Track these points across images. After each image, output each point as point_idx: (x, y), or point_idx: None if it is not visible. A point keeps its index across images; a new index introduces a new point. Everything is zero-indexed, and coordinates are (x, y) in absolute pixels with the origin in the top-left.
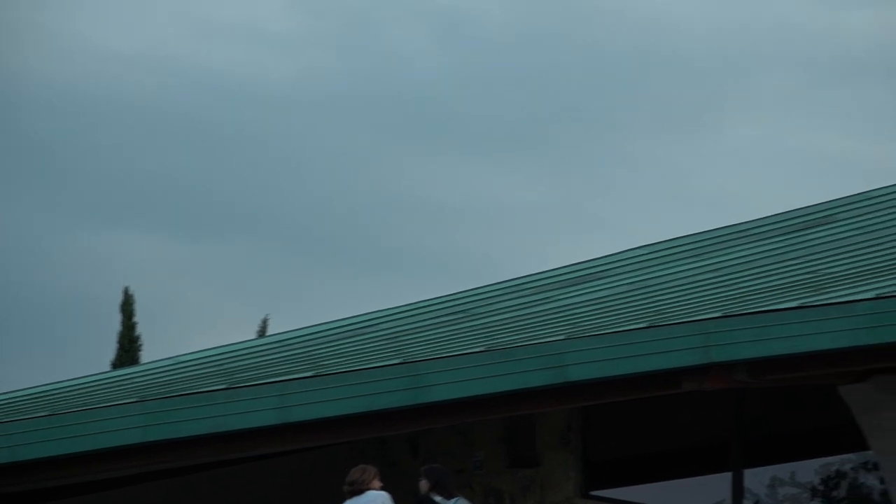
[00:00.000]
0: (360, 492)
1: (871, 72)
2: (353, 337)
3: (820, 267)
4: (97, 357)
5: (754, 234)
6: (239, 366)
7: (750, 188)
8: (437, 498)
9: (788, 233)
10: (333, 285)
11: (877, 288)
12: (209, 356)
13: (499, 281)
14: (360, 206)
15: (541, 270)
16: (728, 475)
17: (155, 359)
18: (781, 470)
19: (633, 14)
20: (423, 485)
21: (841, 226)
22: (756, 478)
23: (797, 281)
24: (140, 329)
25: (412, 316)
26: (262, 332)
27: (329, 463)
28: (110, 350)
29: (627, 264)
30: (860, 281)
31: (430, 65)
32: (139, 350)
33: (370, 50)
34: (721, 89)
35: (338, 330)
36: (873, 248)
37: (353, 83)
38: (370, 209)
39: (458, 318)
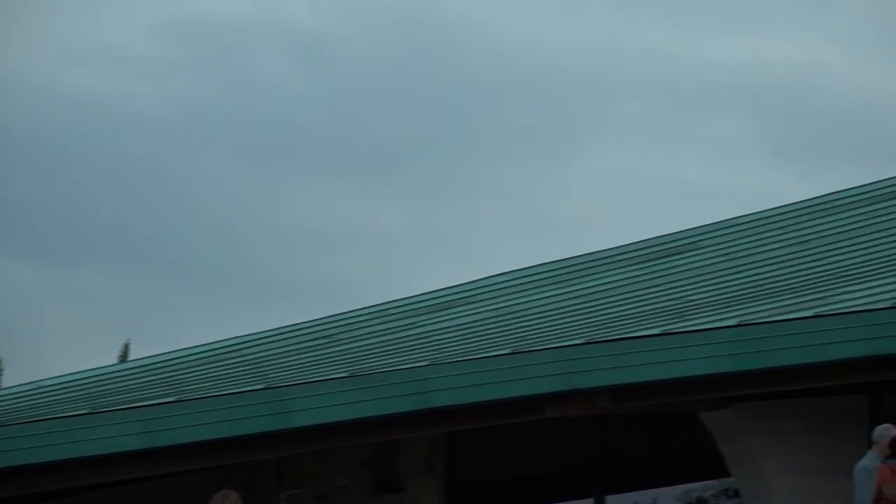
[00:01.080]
0: None
1: (733, 101)
2: (217, 362)
3: (682, 294)
4: None
5: (617, 261)
6: (102, 391)
7: (612, 215)
8: None
9: (651, 260)
10: (197, 311)
11: (738, 315)
12: (71, 381)
13: (363, 307)
14: (225, 230)
15: (405, 296)
16: (590, 501)
17: (16, 384)
18: (643, 496)
19: (494, 40)
20: None
21: (703, 253)
22: None
23: (659, 308)
24: (1, 353)
25: (276, 341)
26: (123, 357)
27: (193, 488)
28: None
29: (491, 291)
30: (722, 308)
31: (294, 90)
32: (0, 375)
33: (235, 75)
34: (583, 116)
35: (201, 355)
36: (735, 276)
37: (216, 108)
38: (234, 234)
39: (323, 344)
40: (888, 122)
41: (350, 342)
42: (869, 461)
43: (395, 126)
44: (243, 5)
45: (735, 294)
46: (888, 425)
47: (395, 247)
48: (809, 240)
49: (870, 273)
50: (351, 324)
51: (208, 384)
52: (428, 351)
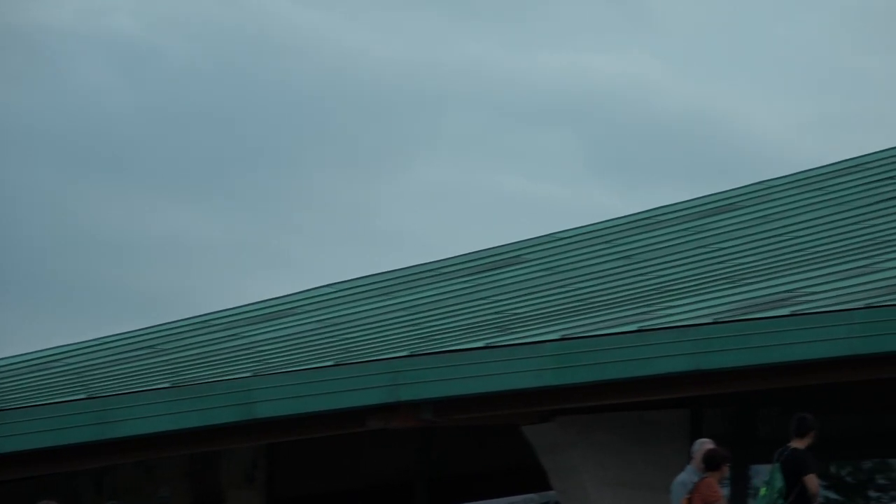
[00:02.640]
0: None
1: (556, 115)
2: (36, 372)
3: (507, 307)
4: None
5: (443, 273)
6: None
7: (438, 228)
8: None
9: (475, 273)
10: (15, 321)
11: (562, 329)
12: None
13: (187, 317)
14: (45, 242)
15: (229, 307)
16: None
17: None
18: None
19: (320, 53)
20: None
21: (528, 266)
22: None
23: (484, 321)
24: None
25: (99, 351)
26: None
27: (12, 498)
28: None
29: (315, 302)
30: (546, 322)
31: (116, 101)
32: None
33: (55, 85)
34: (408, 129)
35: (20, 365)
36: (559, 290)
37: (37, 117)
38: (55, 245)
39: (146, 354)
40: (709, 137)
41: (173, 353)
42: (687, 475)
43: (219, 137)
44: (64, 14)
45: (559, 307)
46: (705, 440)
47: (218, 258)
48: (634, 254)
49: (693, 288)
50: (174, 334)
51: (28, 394)
52: (252, 362)
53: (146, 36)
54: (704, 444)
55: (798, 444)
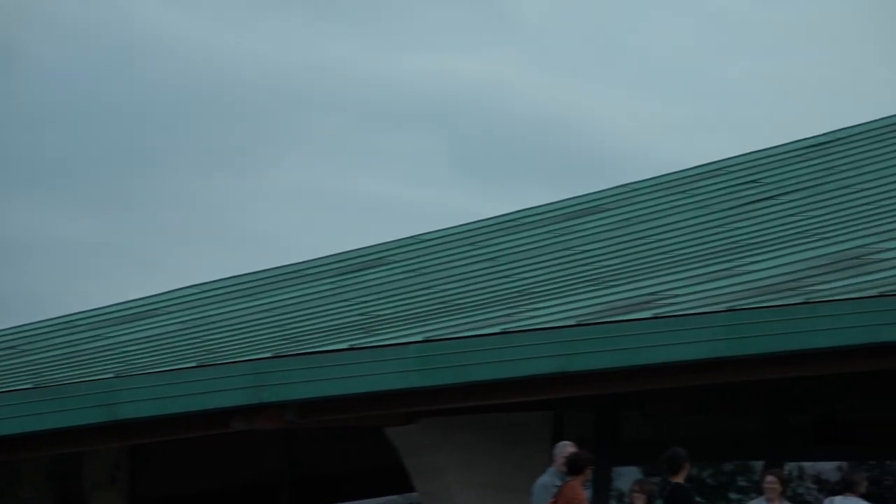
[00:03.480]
0: None
1: (421, 117)
2: None
3: (371, 309)
4: None
5: (307, 275)
6: None
7: (301, 229)
8: None
9: (340, 274)
10: None
11: (427, 331)
12: None
13: (48, 318)
14: None
15: (91, 308)
16: None
17: None
18: None
19: (184, 53)
20: None
21: (392, 268)
22: None
23: (349, 322)
24: None
25: None
26: None
27: None
28: None
29: (179, 303)
30: (410, 323)
31: None
32: None
33: None
34: (272, 130)
35: None
36: (423, 291)
37: None
38: None
39: (7, 355)
40: (573, 139)
41: (34, 353)
42: (548, 478)
43: (77, 136)
44: None
45: (424, 309)
46: (566, 443)
47: (79, 258)
48: (498, 256)
49: (558, 290)
50: (35, 335)
51: None
52: (115, 363)
53: (4, 34)
54: (566, 447)
55: (677, 478)
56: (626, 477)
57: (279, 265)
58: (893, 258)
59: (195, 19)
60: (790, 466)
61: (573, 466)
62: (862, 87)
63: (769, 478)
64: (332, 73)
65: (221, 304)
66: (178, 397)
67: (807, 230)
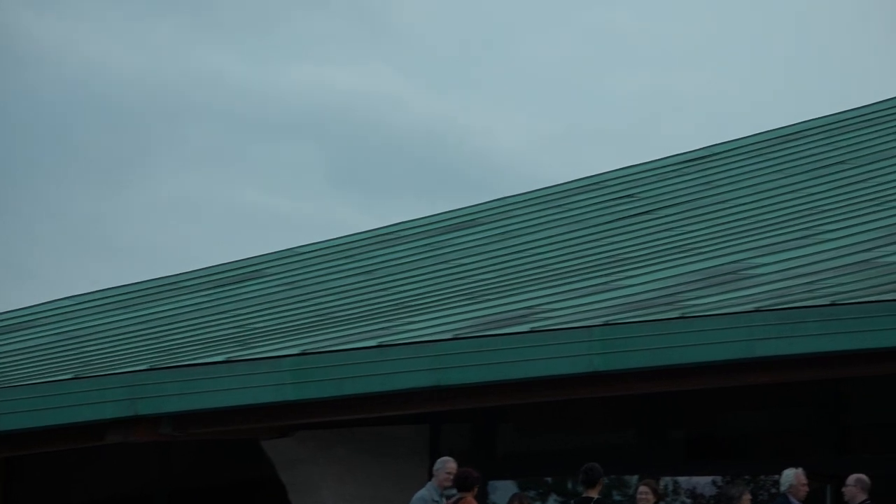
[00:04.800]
0: None
1: (298, 129)
2: None
3: (247, 322)
4: None
5: (183, 287)
6: None
7: (179, 241)
8: None
9: (216, 287)
10: None
11: (303, 344)
12: None
13: None
14: None
15: None
16: None
17: None
18: None
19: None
20: None
21: (268, 281)
22: None
23: (225, 335)
24: None
25: None
26: None
27: None
28: None
29: (54, 315)
30: (287, 336)
31: None
32: None
33: None
34: (150, 141)
35: None
36: (300, 304)
37: None
38: None
39: None
40: (451, 152)
41: None
42: (427, 492)
43: None
44: None
45: (300, 322)
46: (447, 458)
47: None
48: (375, 269)
49: (434, 304)
50: None
51: None
52: None
53: None
54: (447, 463)
55: (591, 493)
56: (502, 491)
57: (155, 277)
58: (769, 273)
59: (74, 30)
60: (666, 481)
61: (463, 484)
62: (741, 103)
63: (642, 488)
64: (208, 83)
65: (97, 316)
66: (52, 409)
67: (683, 245)
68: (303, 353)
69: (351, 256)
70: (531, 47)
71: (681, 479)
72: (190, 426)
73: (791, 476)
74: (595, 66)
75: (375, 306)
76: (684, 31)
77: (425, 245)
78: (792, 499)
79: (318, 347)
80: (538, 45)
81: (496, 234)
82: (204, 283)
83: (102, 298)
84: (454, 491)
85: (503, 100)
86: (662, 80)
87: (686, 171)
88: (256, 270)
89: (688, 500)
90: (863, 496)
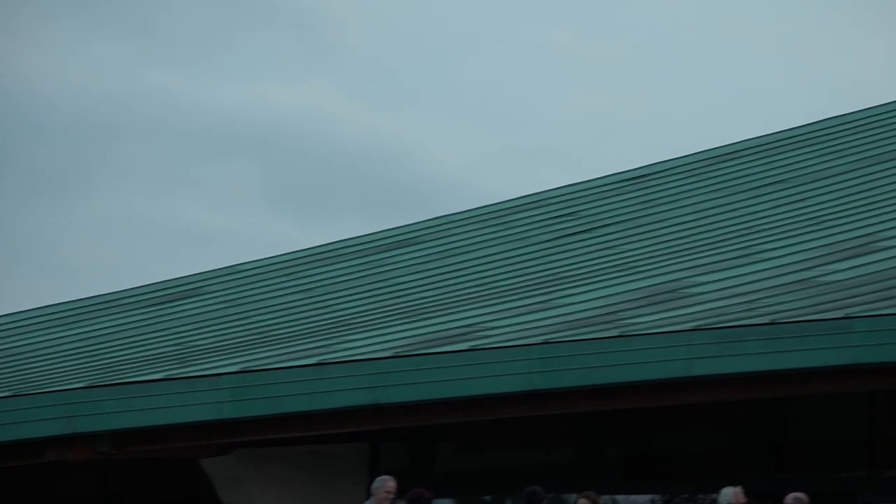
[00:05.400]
0: None
1: (238, 146)
2: None
3: (186, 339)
4: None
5: (123, 304)
6: None
7: (118, 258)
8: None
9: (155, 304)
10: None
11: (242, 361)
12: None
13: None
14: None
15: None
16: None
17: None
18: None
19: None
20: None
21: (207, 299)
22: None
23: (164, 353)
24: None
25: None
26: None
27: None
28: None
29: None
30: (226, 354)
31: None
32: None
33: None
34: (88, 158)
35: None
36: (239, 322)
37: None
38: None
39: None
40: (391, 170)
41: None
42: None
43: None
44: None
45: (239, 340)
46: (386, 477)
47: None
48: (314, 287)
49: (373, 322)
50: None
51: None
52: None
53: None
54: (386, 482)
55: None
56: None
57: (95, 295)
58: (708, 292)
59: (14, 47)
60: (605, 499)
61: (416, 503)
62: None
63: (581, 501)
64: (147, 100)
65: (36, 334)
66: None
67: (623, 263)
68: (242, 371)
69: (291, 274)
70: (472, 66)
71: (619, 497)
72: (128, 444)
73: (729, 495)
74: (536, 84)
75: (315, 324)
76: (624, 50)
77: (365, 263)
78: None
79: (258, 365)
80: (479, 64)
81: (436, 253)
82: (143, 300)
83: (42, 316)
84: None
85: (444, 118)
86: (602, 98)
87: (626, 189)
88: (196, 288)
89: None
90: None
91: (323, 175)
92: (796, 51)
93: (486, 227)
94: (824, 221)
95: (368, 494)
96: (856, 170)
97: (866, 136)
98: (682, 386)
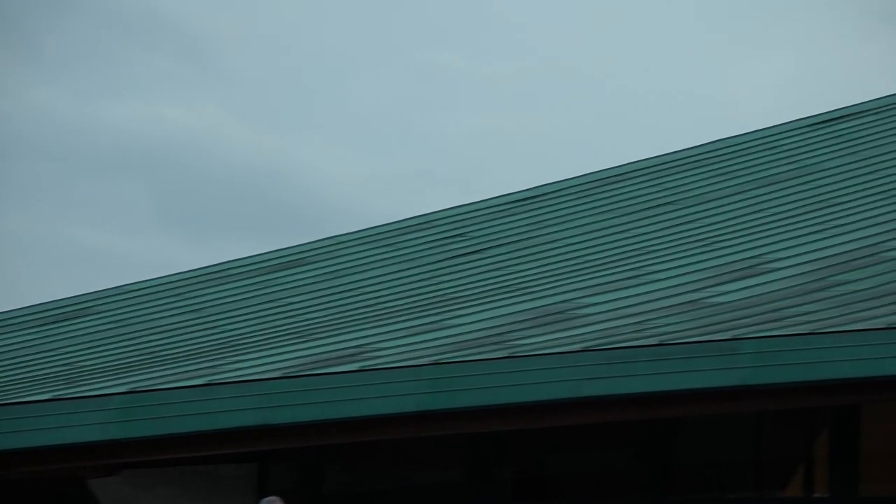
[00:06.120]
0: None
1: (126, 166)
2: None
3: (74, 360)
4: None
5: (10, 325)
6: None
7: (5, 278)
8: None
9: (44, 324)
10: None
11: (129, 382)
12: None
13: None
14: None
15: None
16: None
17: None
18: None
19: None
20: None
21: (96, 319)
22: None
23: (51, 373)
24: None
25: None
26: None
27: None
28: None
29: None
30: (113, 375)
31: None
32: None
33: None
34: None
35: None
36: (127, 343)
37: None
38: None
39: None
40: (281, 190)
41: None
42: None
43: None
44: None
45: (127, 361)
46: (273, 498)
47: None
48: (203, 308)
49: (262, 342)
50: None
51: None
52: None
53: None
54: (272, 503)
55: None
56: None
57: None
58: (597, 313)
59: None
60: None
61: None
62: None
63: None
64: (36, 119)
65: None
66: None
67: (512, 284)
68: (130, 392)
69: (179, 295)
70: (361, 87)
71: None
72: (14, 465)
73: None
74: (424, 105)
75: (203, 345)
76: (512, 71)
77: (254, 284)
78: None
79: (146, 386)
80: (368, 85)
81: (326, 273)
82: (30, 320)
83: None
84: None
85: (334, 139)
86: (490, 119)
87: (515, 211)
88: (83, 309)
89: None
90: None
91: (213, 196)
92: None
93: (375, 248)
94: (713, 243)
95: None
96: (743, 192)
97: (753, 159)
98: (571, 407)
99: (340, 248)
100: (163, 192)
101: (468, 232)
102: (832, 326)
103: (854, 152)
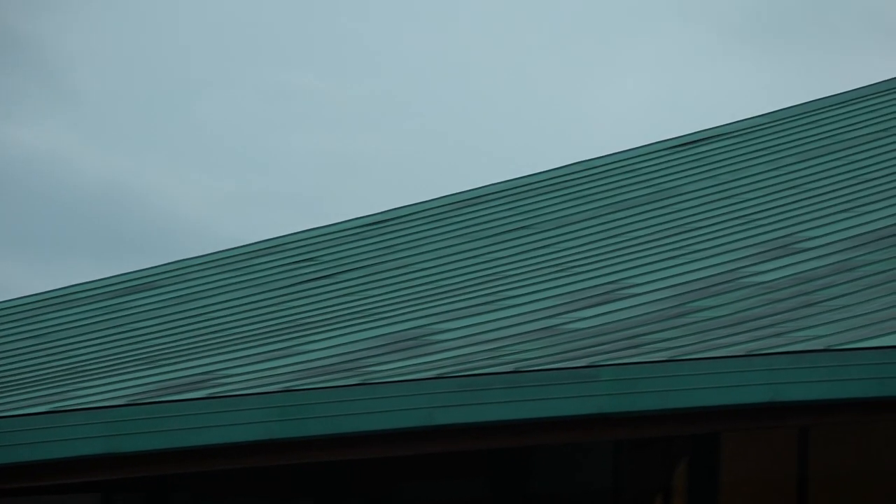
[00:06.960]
0: None
1: None
2: None
3: None
4: None
5: None
6: None
7: None
8: None
9: None
10: None
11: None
12: None
13: None
14: None
15: None
16: None
17: None
18: None
19: None
20: None
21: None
22: None
23: None
24: None
25: None
26: None
27: None
28: None
29: None
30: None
31: None
32: None
33: None
34: None
35: None
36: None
37: None
38: None
39: None
40: (126, 213)
41: None
42: None
43: None
44: None
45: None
46: None
47: None
48: (46, 333)
49: (109, 369)
50: None
51: None
52: None
53: None
54: None
55: None
56: None
57: None
58: (452, 339)
59: None
60: None
61: None
62: (419, 167)
63: None
64: None
65: None
66: None
67: (365, 310)
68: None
69: (21, 320)
70: (210, 108)
71: None
72: None
73: None
74: (277, 127)
75: (48, 371)
76: (365, 93)
77: (99, 308)
78: None
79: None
80: (217, 106)
81: (173, 298)
82: None
83: None
84: None
85: (182, 161)
86: (339, 142)
87: (367, 234)
88: None
89: None
90: None
91: (55, 218)
92: (543, 93)
93: (224, 271)
94: (570, 268)
95: None
96: (601, 216)
97: (611, 182)
98: (423, 435)
99: (188, 272)
100: (5, 215)
101: (318, 256)
102: (691, 353)
103: (712, 176)
